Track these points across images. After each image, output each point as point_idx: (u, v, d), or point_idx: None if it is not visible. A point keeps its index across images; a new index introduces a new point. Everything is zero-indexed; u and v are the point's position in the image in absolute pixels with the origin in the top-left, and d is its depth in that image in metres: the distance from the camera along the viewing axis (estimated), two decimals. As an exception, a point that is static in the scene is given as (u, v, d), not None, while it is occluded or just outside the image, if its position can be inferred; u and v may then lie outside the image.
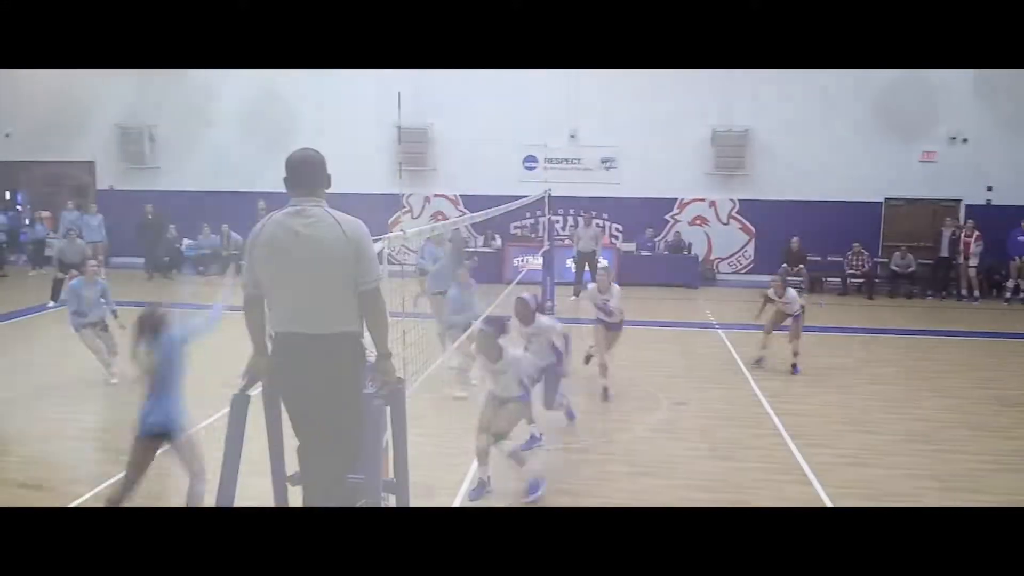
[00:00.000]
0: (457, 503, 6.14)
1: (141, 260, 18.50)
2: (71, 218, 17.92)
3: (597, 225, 17.70)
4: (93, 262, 9.58)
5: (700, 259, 18.29)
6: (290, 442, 4.02)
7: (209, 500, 4.77)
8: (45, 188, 20.75)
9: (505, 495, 6.18)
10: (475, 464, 6.35)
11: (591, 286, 9.18)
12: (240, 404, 3.92)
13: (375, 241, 4.00)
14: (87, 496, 6.06)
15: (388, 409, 4.02)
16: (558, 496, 6.27)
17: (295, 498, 4.08)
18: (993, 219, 16.75)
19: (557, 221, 17.92)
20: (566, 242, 17.24)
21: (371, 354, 3.96)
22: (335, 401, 3.80)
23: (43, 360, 10.25)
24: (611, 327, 9.00)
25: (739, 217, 18.48)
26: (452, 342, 8.56)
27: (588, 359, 9.48)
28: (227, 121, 19.05)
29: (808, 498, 6.30)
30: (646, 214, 18.45)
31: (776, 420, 8.24)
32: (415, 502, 4.29)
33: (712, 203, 18.47)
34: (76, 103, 19.52)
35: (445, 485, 6.34)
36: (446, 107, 18.21)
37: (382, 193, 17.65)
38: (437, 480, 6.33)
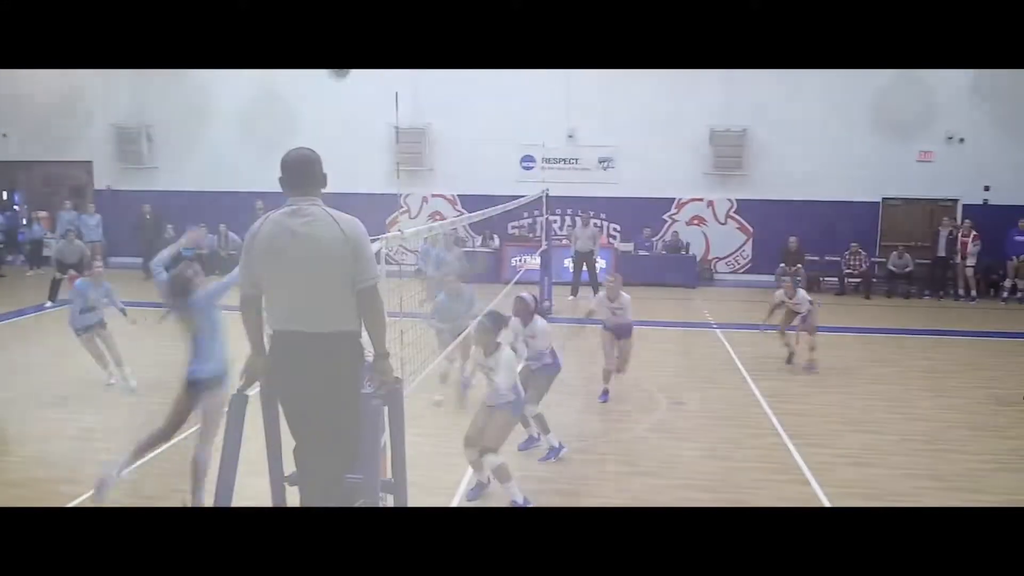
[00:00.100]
0: (455, 503, 6.14)
1: (138, 260, 18.47)
2: (68, 218, 17.93)
3: (595, 225, 17.70)
4: (99, 263, 9.44)
5: (698, 259, 18.29)
6: (288, 442, 4.01)
7: (209, 487, 4.84)
8: (42, 188, 20.74)
9: (503, 495, 6.17)
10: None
11: (600, 294, 8.93)
12: (238, 404, 3.92)
13: (373, 241, 4.00)
14: (85, 496, 6.05)
15: (386, 409, 4.02)
16: (556, 496, 6.27)
17: (293, 498, 4.08)
18: (990, 219, 16.78)
19: (555, 221, 17.93)
20: (564, 242, 17.25)
21: (369, 354, 3.96)
22: (333, 400, 3.80)
23: (41, 360, 10.23)
24: (619, 334, 8.78)
25: (737, 217, 18.49)
26: (441, 348, 8.52)
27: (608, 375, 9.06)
28: (225, 121, 19.05)
29: (807, 498, 6.31)
30: (644, 214, 18.46)
31: (774, 420, 8.25)
32: (413, 502, 4.28)
33: (710, 203, 18.48)
34: (73, 103, 19.50)
35: (443, 485, 6.35)
36: (444, 107, 18.20)
37: (380, 193, 17.67)
38: (435, 480, 6.33)
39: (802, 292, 10.41)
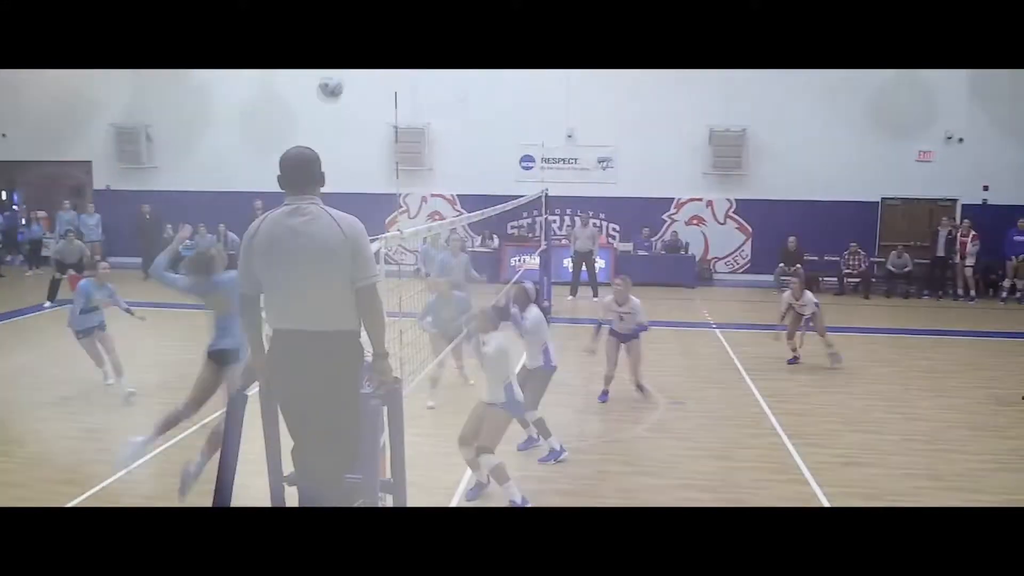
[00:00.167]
0: (454, 503, 6.14)
1: (138, 260, 18.46)
2: (68, 218, 17.94)
3: (594, 225, 17.72)
4: (104, 264, 9.30)
5: (697, 259, 18.30)
6: (288, 442, 4.01)
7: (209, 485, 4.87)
8: (42, 188, 20.72)
9: (503, 495, 6.17)
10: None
11: (608, 298, 8.76)
12: (237, 403, 3.91)
13: (372, 241, 4.00)
14: (84, 496, 6.06)
15: (385, 409, 4.02)
16: (556, 496, 6.28)
17: (292, 499, 4.08)
18: (989, 219, 16.80)
19: (554, 221, 17.93)
20: (563, 242, 17.25)
21: (369, 354, 3.96)
22: (332, 399, 3.79)
23: (40, 360, 10.22)
24: (624, 338, 8.67)
25: (736, 217, 18.49)
26: (433, 352, 8.47)
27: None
28: (224, 121, 19.04)
29: (806, 498, 6.31)
30: (643, 214, 18.46)
31: (774, 420, 8.25)
32: (412, 502, 4.28)
33: (709, 203, 18.49)
34: (72, 103, 19.49)
35: (442, 485, 6.35)
36: (443, 107, 18.19)
37: (379, 193, 17.65)
38: (434, 480, 6.33)
39: (808, 294, 10.45)
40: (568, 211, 18.47)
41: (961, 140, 17.30)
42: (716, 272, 18.65)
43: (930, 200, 17.72)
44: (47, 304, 13.80)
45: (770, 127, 17.74)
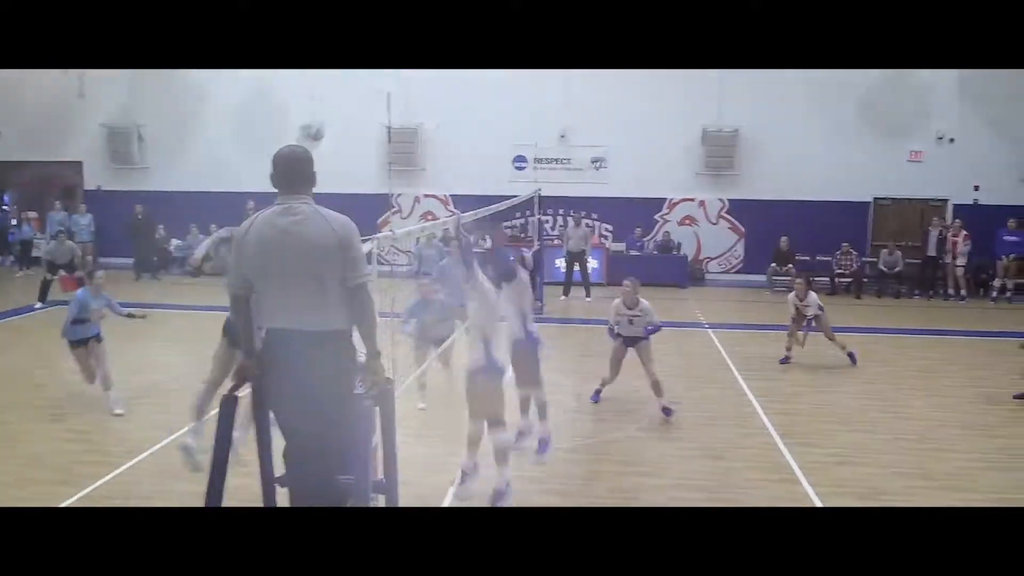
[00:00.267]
0: (446, 503, 6.13)
1: (130, 261, 18.42)
2: (59, 219, 17.87)
3: (586, 225, 17.75)
4: (101, 272, 8.75)
5: (689, 259, 18.33)
6: (279, 443, 4.00)
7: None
8: (32, 189, 20.62)
9: (495, 492, 6.17)
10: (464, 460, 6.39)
11: (616, 301, 8.48)
12: (228, 405, 3.90)
13: (365, 241, 4.00)
14: (76, 498, 6.04)
15: (377, 409, 4.01)
16: (549, 496, 6.27)
17: (284, 500, 4.07)
18: (980, 218, 16.86)
19: (547, 221, 17.94)
20: (555, 242, 17.26)
21: (361, 354, 3.96)
22: (324, 399, 3.78)
23: (30, 362, 10.18)
24: (632, 341, 8.44)
25: (729, 217, 18.53)
26: (417, 355, 8.39)
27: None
28: (217, 121, 18.98)
29: (798, 497, 6.33)
30: (636, 214, 18.48)
31: (766, 419, 8.27)
32: (404, 502, 4.28)
33: (702, 203, 18.52)
34: (63, 103, 19.41)
35: (434, 485, 6.33)
36: (436, 107, 18.19)
37: (371, 193, 17.64)
38: (426, 480, 6.32)
39: (813, 295, 10.54)
40: (561, 211, 18.47)
41: (952, 140, 17.37)
42: (708, 272, 18.68)
43: (922, 200, 17.78)
44: (38, 305, 13.74)
45: (762, 127, 17.78)
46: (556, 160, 18.78)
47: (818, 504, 6.19)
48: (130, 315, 8.74)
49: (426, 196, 19.12)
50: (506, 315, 6.63)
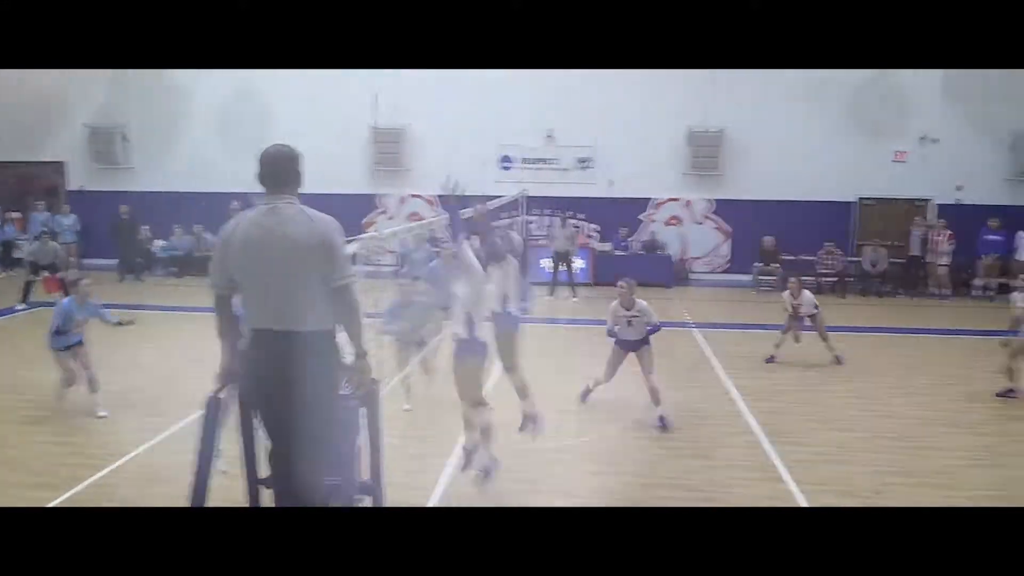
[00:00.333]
0: (432, 503, 6.13)
1: (113, 262, 18.29)
2: (42, 219, 17.72)
3: (573, 226, 17.77)
4: (87, 281, 8.42)
5: (675, 259, 18.37)
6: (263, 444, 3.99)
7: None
8: (14, 189, 20.42)
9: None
10: (449, 465, 6.41)
11: (613, 303, 8.34)
12: (212, 407, 3.89)
13: (351, 241, 4.00)
14: (56, 501, 5.99)
15: (363, 410, 4.01)
16: (532, 495, 6.28)
17: (269, 502, 4.06)
18: (964, 218, 17.00)
19: (533, 222, 17.94)
20: (541, 242, 17.27)
21: (347, 355, 3.96)
22: (309, 399, 3.78)
23: (12, 364, 10.09)
24: (632, 346, 8.32)
25: (715, 217, 18.59)
26: (399, 359, 8.35)
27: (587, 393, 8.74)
28: (201, 121, 18.85)
29: (782, 495, 6.36)
30: (622, 214, 18.51)
31: (750, 418, 8.31)
32: (390, 503, 4.28)
33: (687, 203, 18.57)
34: (45, 103, 19.23)
35: (420, 485, 6.33)
36: (422, 107, 18.16)
37: (357, 193, 17.60)
38: (411, 481, 6.32)
39: (807, 293, 10.66)
40: (547, 212, 18.48)
41: (936, 140, 17.49)
42: (694, 272, 18.73)
43: (906, 200, 17.88)
44: (20, 306, 13.62)
45: (748, 128, 17.83)
46: (543, 160, 18.78)
47: (803, 502, 6.23)
48: (119, 323, 8.48)
49: (412, 196, 19.08)
50: (490, 294, 6.59)
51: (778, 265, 16.98)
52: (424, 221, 13.48)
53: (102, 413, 8.08)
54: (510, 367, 6.95)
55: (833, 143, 17.54)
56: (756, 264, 17.44)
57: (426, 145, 18.60)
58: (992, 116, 17.09)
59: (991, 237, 16.75)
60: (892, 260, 17.27)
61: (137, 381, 9.18)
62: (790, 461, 7.05)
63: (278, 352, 3.75)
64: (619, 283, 8.37)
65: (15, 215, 19.25)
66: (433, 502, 6.14)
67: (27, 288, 13.70)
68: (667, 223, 18.68)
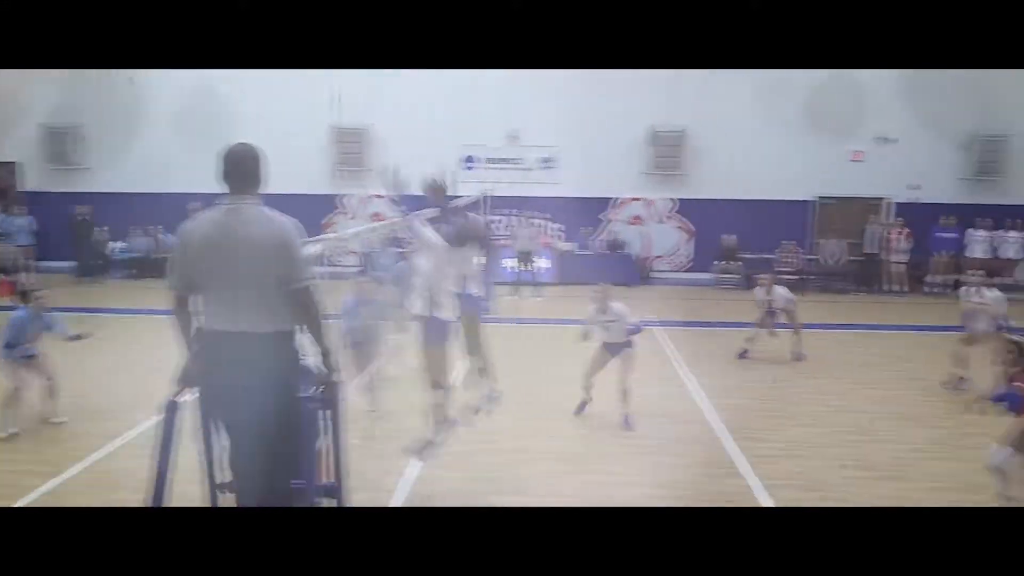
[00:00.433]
0: (394, 503, 6.10)
1: (70, 264, 17.94)
2: (-6, 221, 17.36)
3: (535, 225, 17.81)
4: (40, 292, 7.92)
5: (638, 257, 18.49)
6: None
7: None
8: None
9: (457, 493, 6.17)
10: (412, 463, 6.41)
11: (590, 307, 8.28)
12: (171, 410, 3.83)
13: (314, 243, 3.97)
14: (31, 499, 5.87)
15: (325, 412, 3.98)
16: (495, 495, 6.28)
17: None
18: (922, 216, 17.36)
19: (496, 221, 17.94)
20: (504, 242, 17.29)
21: (308, 357, 3.93)
22: (268, 401, 3.74)
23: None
24: (616, 349, 8.28)
25: (677, 216, 18.74)
26: (356, 365, 8.02)
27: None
28: (159, 121, 18.55)
29: (743, 491, 6.44)
30: (585, 214, 18.58)
31: (712, 415, 8.40)
32: (353, 504, 4.25)
33: (650, 202, 18.70)
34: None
35: (383, 487, 6.31)
36: (385, 107, 18.06)
37: (319, 194, 17.46)
38: (373, 483, 6.28)
39: (778, 288, 10.85)
40: (511, 211, 18.49)
41: (890, 140, 17.82)
42: (657, 271, 18.86)
43: (864, 199, 18.19)
44: (-27, 310, 13.30)
45: (709, 127, 18.00)
46: (506, 160, 18.79)
47: (766, 497, 6.31)
48: (77, 337, 7.94)
49: (375, 196, 18.97)
50: (450, 274, 6.39)
51: (739, 263, 17.18)
52: (386, 221, 13.39)
53: (60, 419, 7.89)
54: (473, 349, 6.87)
55: (792, 143, 17.79)
56: (717, 262, 17.63)
57: (389, 145, 18.50)
58: (947, 117, 17.45)
59: (944, 235, 17.17)
60: (851, 258, 17.58)
61: (95, 385, 9.01)
62: (752, 456, 7.14)
63: (237, 354, 3.71)
64: (593, 289, 8.34)
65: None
66: (396, 502, 6.12)
67: (-20, 292, 13.40)
68: (630, 223, 18.79)
